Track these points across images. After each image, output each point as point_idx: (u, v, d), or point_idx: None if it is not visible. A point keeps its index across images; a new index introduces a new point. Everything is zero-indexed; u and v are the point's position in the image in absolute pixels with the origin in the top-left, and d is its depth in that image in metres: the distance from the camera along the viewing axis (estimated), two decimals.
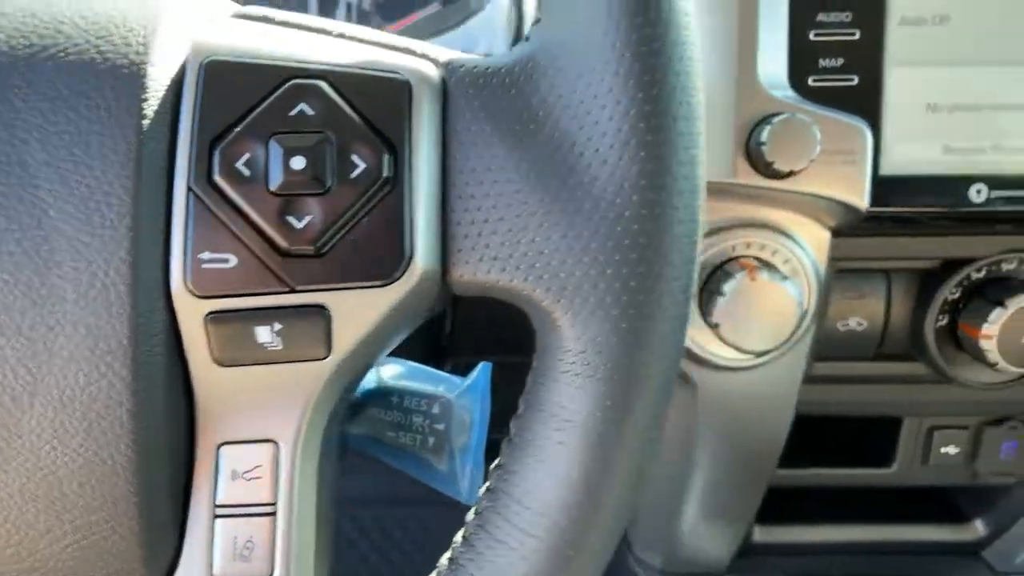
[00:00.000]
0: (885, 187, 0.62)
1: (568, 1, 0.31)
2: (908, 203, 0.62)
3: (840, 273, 0.74)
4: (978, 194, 0.62)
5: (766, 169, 0.60)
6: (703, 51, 0.67)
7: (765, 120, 0.59)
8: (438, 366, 0.47)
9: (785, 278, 0.63)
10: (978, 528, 1.03)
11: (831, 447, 1.00)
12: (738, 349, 0.65)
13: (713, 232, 0.68)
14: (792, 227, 0.68)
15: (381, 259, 0.31)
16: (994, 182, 0.62)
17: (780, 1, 0.61)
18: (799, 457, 1.03)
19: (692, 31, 0.31)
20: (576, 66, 0.31)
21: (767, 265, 0.66)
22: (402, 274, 0.32)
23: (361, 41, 0.34)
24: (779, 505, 1.00)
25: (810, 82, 0.61)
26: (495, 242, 0.32)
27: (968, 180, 0.62)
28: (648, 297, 0.30)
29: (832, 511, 1.04)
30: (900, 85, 0.62)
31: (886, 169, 0.63)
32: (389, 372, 0.46)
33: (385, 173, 0.31)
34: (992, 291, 0.70)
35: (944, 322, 0.73)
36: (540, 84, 0.32)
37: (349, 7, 0.88)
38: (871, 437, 1.01)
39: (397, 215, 0.31)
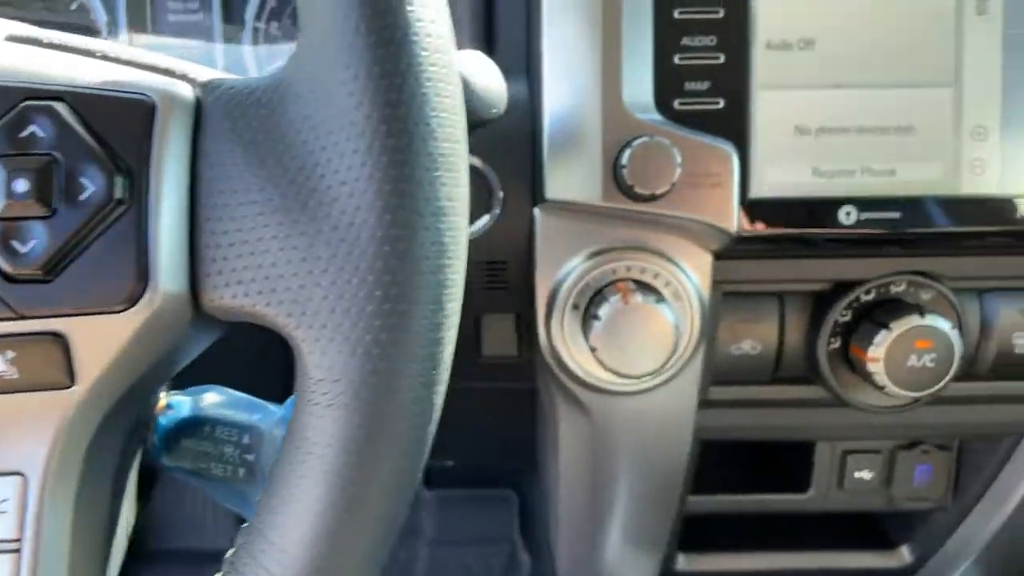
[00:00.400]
0: (755, 210, 0.62)
1: (318, 27, 0.31)
2: (778, 225, 0.62)
3: (731, 296, 0.74)
4: (848, 216, 0.62)
5: (629, 192, 0.60)
6: (569, 74, 0.68)
7: (628, 143, 0.59)
8: None
9: (661, 300, 0.62)
10: (904, 554, 1.02)
11: (750, 473, 1.00)
12: (616, 373, 0.64)
13: (595, 255, 0.68)
14: (673, 250, 0.68)
15: (118, 284, 0.30)
16: (863, 204, 0.62)
17: (645, 25, 0.61)
18: (717, 483, 1.02)
19: (439, 54, 0.31)
20: (323, 92, 0.30)
21: (646, 288, 0.66)
22: (141, 298, 0.31)
23: (119, 62, 0.33)
24: (705, 533, 0.99)
25: (676, 105, 0.61)
26: (240, 265, 0.31)
27: (837, 202, 0.62)
28: (387, 324, 0.29)
29: (759, 538, 1.03)
30: (767, 108, 0.62)
31: (756, 192, 0.63)
32: (208, 401, 0.45)
33: (117, 195, 0.30)
34: (880, 313, 0.69)
35: (836, 345, 0.73)
36: (290, 108, 0.32)
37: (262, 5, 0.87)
38: (787, 463, 1.00)
39: (133, 238, 0.30)
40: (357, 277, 0.29)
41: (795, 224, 0.62)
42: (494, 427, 1.07)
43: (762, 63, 0.62)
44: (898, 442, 0.96)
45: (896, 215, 0.62)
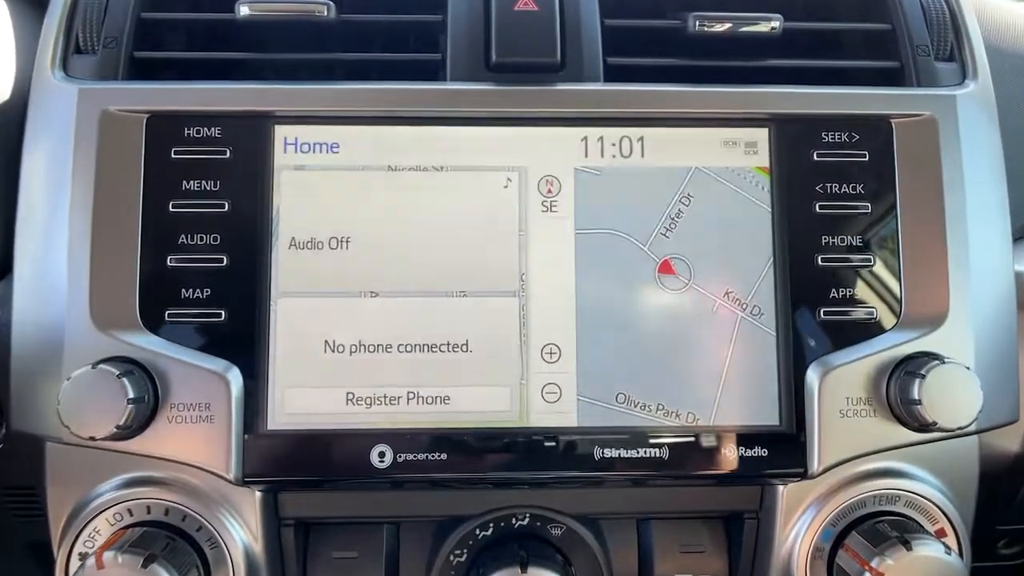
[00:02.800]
0: (269, 448, 0.49)
1: None
2: (295, 470, 0.49)
3: (325, 527, 0.60)
4: (381, 458, 0.50)
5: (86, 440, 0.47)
6: (36, 281, 0.56)
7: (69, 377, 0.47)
8: None
9: (149, 563, 0.48)
10: None
11: None
12: None
13: (127, 486, 0.54)
14: (214, 486, 0.54)
15: None
16: (404, 442, 0.50)
17: (130, 220, 0.50)
18: None
19: None
20: None
21: (159, 536, 0.52)
22: None
23: None
24: None
25: (167, 318, 0.50)
26: None
27: (369, 439, 0.50)
28: None
29: None
30: (289, 319, 0.50)
31: (274, 423, 0.50)
32: None
33: None
34: (486, 558, 0.56)
35: None
36: None
37: None
38: None
39: None
40: None
41: (317, 468, 0.49)
42: None
43: (284, 265, 0.51)
44: None
45: (442, 456, 0.50)
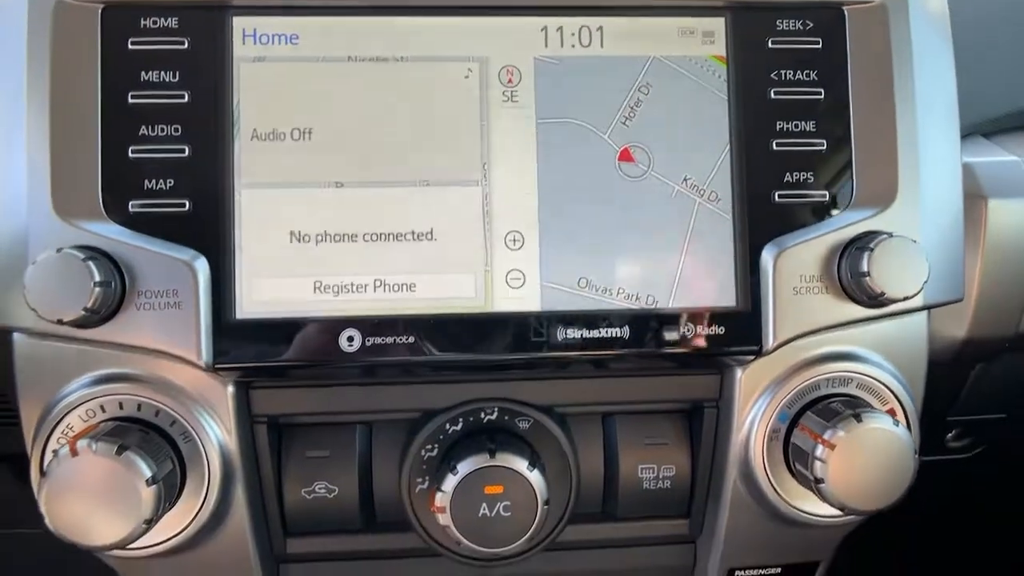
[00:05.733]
0: (237, 334, 0.50)
1: None
2: (266, 355, 0.50)
3: (297, 428, 0.61)
4: (350, 342, 0.51)
5: (54, 323, 0.47)
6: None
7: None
8: None
9: (122, 451, 0.49)
10: None
11: None
12: (81, 546, 0.50)
13: (96, 383, 0.54)
14: (185, 380, 0.55)
15: None
16: (372, 326, 0.51)
17: (90, 111, 0.49)
18: None
19: None
20: None
21: (131, 428, 0.52)
22: None
23: None
24: None
25: (131, 208, 0.50)
26: None
27: (338, 325, 0.51)
28: None
29: None
30: (254, 210, 0.51)
31: (244, 311, 0.51)
32: None
33: None
34: (457, 451, 0.58)
35: (424, 486, 0.60)
36: None
37: None
38: None
39: None
40: None
41: (287, 353, 0.50)
42: None
43: (247, 157, 0.51)
44: None
45: (410, 340, 0.51)
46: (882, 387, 0.58)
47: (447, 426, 0.59)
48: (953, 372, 0.67)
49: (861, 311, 0.53)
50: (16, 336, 0.54)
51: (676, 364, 0.57)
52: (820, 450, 0.53)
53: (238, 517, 0.57)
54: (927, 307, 0.55)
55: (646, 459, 0.62)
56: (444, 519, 0.55)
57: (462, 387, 0.59)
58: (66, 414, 0.53)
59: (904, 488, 0.54)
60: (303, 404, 0.57)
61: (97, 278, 0.46)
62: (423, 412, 0.59)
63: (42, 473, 0.53)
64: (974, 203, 0.58)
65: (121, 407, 0.54)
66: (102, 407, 0.54)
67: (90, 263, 0.46)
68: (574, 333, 0.52)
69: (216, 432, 0.54)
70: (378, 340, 0.50)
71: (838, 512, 0.60)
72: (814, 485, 0.54)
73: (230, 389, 0.54)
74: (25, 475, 0.75)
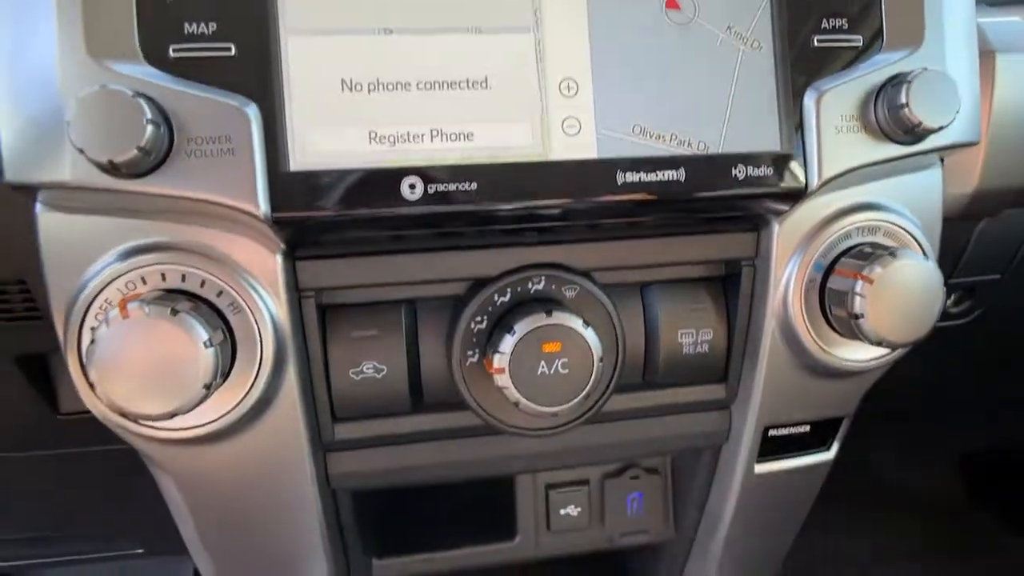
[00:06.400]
0: (292, 186, 0.48)
1: None
2: (325, 205, 0.48)
3: (342, 309, 0.60)
4: (412, 190, 0.50)
5: (104, 166, 0.44)
6: (18, 15, 0.53)
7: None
8: None
9: (176, 313, 0.47)
10: None
11: (451, 519, 0.85)
12: (135, 416, 0.48)
13: (127, 256, 0.51)
14: (228, 248, 0.53)
15: None
16: (432, 175, 0.50)
17: None
18: (415, 537, 0.87)
19: None
20: None
21: (175, 297, 0.50)
22: None
23: None
24: None
25: (171, 53, 0.47)
26: None
27: (398, 174, 0.50)
28: None
29: None
30: (302, 58, 0.48)
31: (298, 163, 0.49)
32: None
33: None
34: (512, 316, 0.57)
35: (475, 359, 0.60)
36: None
37: None
38: (490, 502, 0.87)
39: None
40: None
41: (347, 203, 0.48)
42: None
43: (291, 1, 0.49)
44: (605, 469, 0.86)
45: (472, 186, 0.50)
46: (906, 234, 0.61)
47: (495, 297, 0.58)
48: (957, 234, 0.71)
49: (896, 149, 0.56)
50: (41, 214, 0.50)
51: (717, 220, 0.59)
52: (860, 286, 0.56)
53: (289, 399, 0.55)
54: (952, 146, 0.58)
55: (686, 323, 0.64)
56: (503, 380, 0.55)
57: (505, 252, 0.58)
58: (103, 288, 0.50)
59: (933, 321, 0.58)
60: (351, 276, 0.55)
61: (148, 115, 0.42)
62: (470, 280, 0.59)
63: (79, 355, 0.50)
64: (984, 58, 0.62)
65: (164, 278, 0.51)
66: (143, 279, 0.51)
67: (140, 100, 0.43)
68: (632, 177, 0.52)
69: (268, 303, 0.52)
70: (440, 187, 0.49)
71: (870, 356, 0.63)
72: (853, 323, 0.57)
73: (278, 258, 0.52)
74: (42, 379, 0.70)
